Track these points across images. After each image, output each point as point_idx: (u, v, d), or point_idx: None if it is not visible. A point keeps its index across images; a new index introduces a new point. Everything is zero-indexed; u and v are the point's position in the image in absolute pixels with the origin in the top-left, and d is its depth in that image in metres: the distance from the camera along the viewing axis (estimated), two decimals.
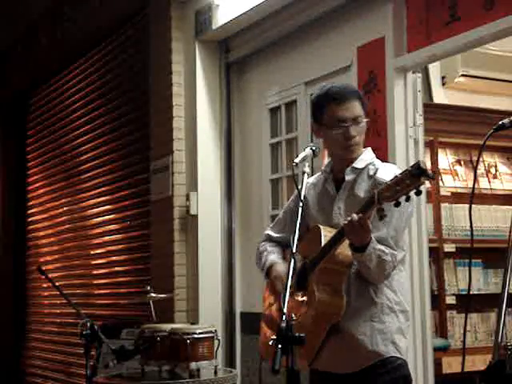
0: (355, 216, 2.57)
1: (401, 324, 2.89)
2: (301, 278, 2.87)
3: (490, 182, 5.55)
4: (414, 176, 2.37)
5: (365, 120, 2.90)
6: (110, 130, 7.05)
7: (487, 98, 5.56)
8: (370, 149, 3.01)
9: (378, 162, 2.95)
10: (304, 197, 2.88)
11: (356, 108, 2.88)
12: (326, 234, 2.80)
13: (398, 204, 2.45)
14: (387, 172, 2.81)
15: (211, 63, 5.83)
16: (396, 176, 2.44)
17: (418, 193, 2.40)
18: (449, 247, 5.20)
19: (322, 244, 2.77)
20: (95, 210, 7.31)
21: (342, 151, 2.91)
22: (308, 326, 2.77)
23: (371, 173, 2.89)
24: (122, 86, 6.89)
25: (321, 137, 2.98)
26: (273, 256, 3.08)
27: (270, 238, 3.18)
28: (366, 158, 2.94)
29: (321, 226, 2.84)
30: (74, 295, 7.04)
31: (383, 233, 2.76)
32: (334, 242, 2.73)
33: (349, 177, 2.91)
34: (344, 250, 2.77)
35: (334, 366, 2.88)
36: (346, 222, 2.60)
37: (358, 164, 2.91)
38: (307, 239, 2.89)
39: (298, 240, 2.77)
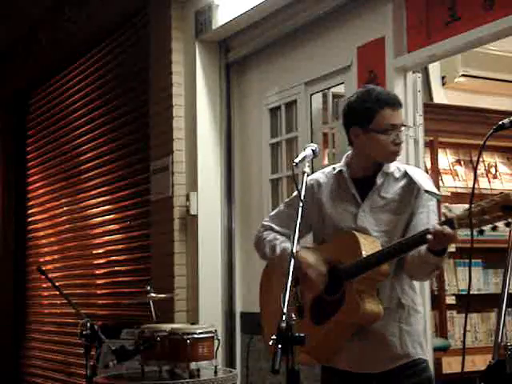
0: (439, 227, 2.56)
1: (422, 325, 2.95)
2: (332, 281, 2.85)
3: (489, 182, 5.56)
4: (506, 210, 2.39)
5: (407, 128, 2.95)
6: (110, 130, 7.05)
7: (487, 97, 5.56)
8: None
9: (401, 165, 2.97)
10: (313, 196, 2.94)
11: (402, 115, 2.92)
12: (364, 241, 2.79)
13: (482, 232, 2.47)
14: (423, 178, 2.88)
15: (211, 63, 5.83)
16: (479, 204, 2.46)
17: (508, 224, 2.42)
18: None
19: (363, 252, 2.75)
20: (95, 210, 7.31)
21: (387, 156, 2.89)
22: (339, 329, 2.82)
23: (397, 175, 2.91)
24: (122, 86, 6.89)
25: (360, 140, 2.90)
26: (289, 244, 2.94)
27: (272, 229, 3.09)
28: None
29: (356, 233, 2.82)
30: (74, 295, 7.03)
31: None
32: (399, 251, 2.72)
33: (380, 180, 2.90)
34: None
35: (359, 366, 2.88)
36: (433, 233, 2.57)
37: (387, 168, 2.92)
38: (339, 242, 2.88)
39: (318, 241, 2.91)
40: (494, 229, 2.42)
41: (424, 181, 2.86)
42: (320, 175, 3.03)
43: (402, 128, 2.87)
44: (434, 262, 2.68)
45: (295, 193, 3.07)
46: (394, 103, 2.86)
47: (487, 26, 3.81)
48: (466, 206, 2.52)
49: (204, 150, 5.74)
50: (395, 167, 2.93)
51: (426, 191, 2.80)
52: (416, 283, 2.98)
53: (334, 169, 3.01)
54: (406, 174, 2.90)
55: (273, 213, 3.17)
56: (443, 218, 2.61)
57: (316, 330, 2.86)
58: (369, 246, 2.77)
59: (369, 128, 2.86)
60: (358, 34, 4.63)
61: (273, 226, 3.09)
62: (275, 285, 3.09)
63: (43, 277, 5.07)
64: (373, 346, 2.84)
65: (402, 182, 2.88)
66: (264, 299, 3.18)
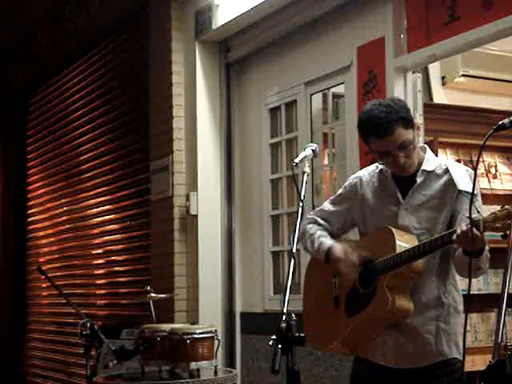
0: (464, 229, 2.54)
1: (461, 324, 2.91)
2: (366, 275, 2.87)
3: (490, 182, 5.55)
4: None
5: (411, 144, 2.83)
6: (110, 130, 7.05)
7: (487, 98, 5.55)
8: (427, 147, 3.00)
9: (443, 161, 2.95)
10: (357, 193, 2.98)
11: (399, 136, 2.80)
12: (399, 238, 2.80)
13: (505, 236, 2.43)
14: (461, 176, 2.83)
15: (211, 63, 5.83)
16: (506, 208, 2.45)
17: (505, 236, 2.40)
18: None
19: (397, 248, 2.77)
20: (95, 210, 7.31)
21: (393, 172, 2.92)
22: (369, 323, 2.84)
23: (439, 172, 2.89)
24: (122, 86, 6.89)
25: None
26: (326, 239, 3.03)
27: (316, 222, 3.13)
28: (431, 158, 2.94)
29: (393, 229, 2.83)
30: (74, 295, 7.04)
31: None
32: (427, 251, 2.72)
33: (420, 179, 2.89)
34: None
35: (394, 361, 2.88)
36: (457, 235, 2.57)
37: (428, 166, 2.90)
38: (376, 238, 2.91)
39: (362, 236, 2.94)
40: None
41: (461, 179, 2.82)
42: (364, 173, 3.06)
43: (408, 144, 2.81)
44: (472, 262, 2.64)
45: (340, 191, 3.14)
46: (383, 131, 2.79)
47: (487, 26, 3.81)
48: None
49: (204, 149, 5.74)
50: (437, 164, 2.91)
51: (460, 191, 2.79)
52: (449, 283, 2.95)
53: (377, 167, 3.02)
54: (447, 171, 2.87)
55: (318, 208, 3.22)
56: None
57: (348, 321, 2.89)
58: (404, 243, 2.78)
59: (370, 149, 2.92)
60: (357, 34, 4.64)
61: (317, 218, 3.13)
62: (316, 275, 3.14)
63: (43, 277, 5.07)
64: (408, 342, 2.85)
65: (443, 179, 2.87)
66: (307, 288, 3.20)
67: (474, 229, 2.51)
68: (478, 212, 2.63)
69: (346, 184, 3.12)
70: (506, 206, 2.46)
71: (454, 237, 2.58)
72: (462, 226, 2.57)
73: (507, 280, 2.23)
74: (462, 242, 2.58)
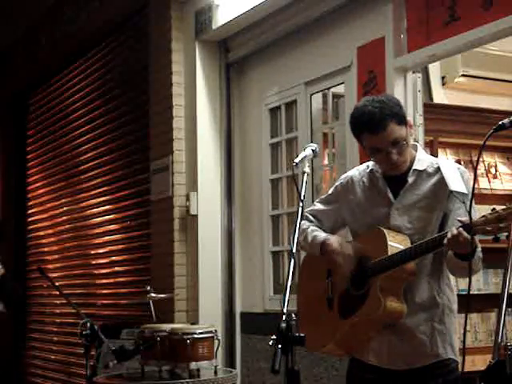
0: (455, 232, 2.53)
1: (456, 324, 2.91)
2: (358, 276, 2.86)
3: (490, 182, 5.55)
4: None
5: (404, 141, 2.81)
6: (110, 130, 7.05)
7: (487, 98, 5.55)
8: (418, 145, 2.97)
9: (435, 160, 2.93)
10: (347, 193, 2.97)
11: (392, 132, 2.77)
12: (391, 239, 2.79)
13: (497, 239, 2.44)
14: (453, 176, 2.80)
15: (211, 63, 5.83)
16: (496, 211, 2.44)
17: (497, 239, 2.43)
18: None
19: (388, 250, 2.75)
20: (95, 210, 7.31)
21: (384, 171, 2.90)
22: (363, 325, 2.83)
23: (430, 171, 2.86)
24: (122, 86, 6.89)
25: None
26: (319, 232, 3.01)
27: (307, 218, 3.12)
28: (422, 157, 2.91)
29: (385, 230, 2.81)
30: (74, 295, 7.04)
31: None
32: (418, 253, 2.71)
33: (411, 179, 2.87)
34: None
35: (388, 361, 2.87)
36: (447, 239, 2.56)
37: (419, 165, 2.87)
38: (368, 239, 2.89)
39: (353, 236, 2.93)
40: (508, 237, 2.38)
41: (453, 179, 2.79)
42: (355, 172, 3.04)
43: (400, 140, 2.78)
44: (462, 265, 2.64)
45: (330, 190, 3.12)
46: (375, 127, 2.76)
47: (487, 26, 3.81)
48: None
49: (204, 150, 5.74)
50: (429, 163, 2.88)
51: (451, 191, 2.76)
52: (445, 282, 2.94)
53: (367, 166, 3.00)
54: (438, 170, 2.84)
55: (309, 207, 3.22)
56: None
57: (342, 322, 2.88)
58: (397, 244, 2.77)
59: (362, 146, 2.90)
60: (358, 34, 4.64)
61: (308, 215, 3.13)
62: (309, 276, 3.13)
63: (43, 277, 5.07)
64: (403, 342, 2.83)
65: (435, 179, 2.84)
66: (301, 289, 3.19)
67: (465, 232, 2.51)
68: None
69: (336, 184, 3.10)
70: (497, 209, 2.45)
71: (445, 241, 2.57)
72: (452, 230, 2.56)
73: (507, 280, 2.23)
74: (452, 246, 2.58)
